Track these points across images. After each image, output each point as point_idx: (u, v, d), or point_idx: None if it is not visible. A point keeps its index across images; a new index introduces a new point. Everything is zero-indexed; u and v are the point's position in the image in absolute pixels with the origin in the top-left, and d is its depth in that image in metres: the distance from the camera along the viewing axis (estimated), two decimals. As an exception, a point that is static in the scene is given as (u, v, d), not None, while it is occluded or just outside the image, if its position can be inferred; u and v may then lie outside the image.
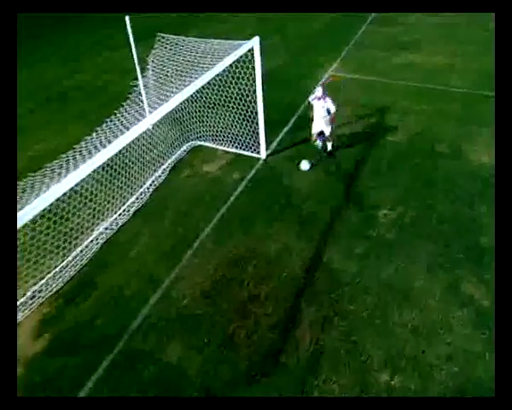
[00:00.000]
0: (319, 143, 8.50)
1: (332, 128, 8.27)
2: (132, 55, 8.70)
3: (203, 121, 9.40)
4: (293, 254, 6.67)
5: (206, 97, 9.28)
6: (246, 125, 9.00)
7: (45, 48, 16.52)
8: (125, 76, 12.02)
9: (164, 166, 8.74)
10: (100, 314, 6.30)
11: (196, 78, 6.40)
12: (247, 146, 8.88)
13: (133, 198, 8.04)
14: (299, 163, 8.20)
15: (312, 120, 8.29)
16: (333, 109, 7.86)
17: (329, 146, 8.55)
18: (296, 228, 7.12)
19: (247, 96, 8.44)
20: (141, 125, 5.38)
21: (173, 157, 9.07)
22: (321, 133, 8.35)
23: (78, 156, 6.98)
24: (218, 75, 8.36)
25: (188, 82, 6.34)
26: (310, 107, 8.11)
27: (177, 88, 6.72)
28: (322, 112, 7.97)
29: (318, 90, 7.75)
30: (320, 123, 8.17)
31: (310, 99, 8.13)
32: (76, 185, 3.94)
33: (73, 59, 15.19)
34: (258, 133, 8.65)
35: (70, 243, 7.21)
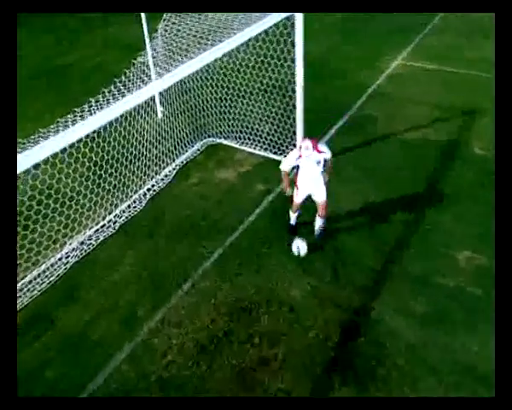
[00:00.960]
0: (296, 215, 6.76)
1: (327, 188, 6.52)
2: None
3: (224, 113, 9.04)
4: (325, 302, 5.91)
5: (230, 84, 8.94)
6: (279, 122, 8.61)
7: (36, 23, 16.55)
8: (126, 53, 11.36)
9: (168, 169, 8.31)
10: (52, 363, 5.54)
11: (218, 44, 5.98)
12: (278, 149, 8.35)
13: (123, 206, 7.62)
14: (291, 244, 6.51)
15: (296, 187, 6.52)
16: (329, 155, 6.25)
17: (320, 222, 6.65)
18: (332, 266, 6.42)
19: (283, 86, 8.16)
20: (146, 90, 5.25)
21: (182, 157, 8.63)
22: (306, 199, 6.64)
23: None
24: (246, 59, 8.09)
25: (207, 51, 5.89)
26: (284, 174, 6.32)
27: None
28: (314, 169, 6.24)
29: (307, 145, 5.98)
30: (310, 185, 6.41)
31: (289, 164, 6.24)
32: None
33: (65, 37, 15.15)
34: (294, 133, 8.11)
35: (29, 259, 6.53)
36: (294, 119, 7.97)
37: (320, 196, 6.42)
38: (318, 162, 6.16)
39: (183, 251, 6.81)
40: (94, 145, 7.52)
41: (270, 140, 8.61)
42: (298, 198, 6.53)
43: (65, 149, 4.28)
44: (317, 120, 9.12)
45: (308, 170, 6.22)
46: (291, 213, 6.79)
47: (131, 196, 7.79)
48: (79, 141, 6.25)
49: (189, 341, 5.63)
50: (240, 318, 5.83)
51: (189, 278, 6.37)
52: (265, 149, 8.60)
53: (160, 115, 9.28)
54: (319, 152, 6.11)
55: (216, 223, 7.25)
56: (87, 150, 7.53)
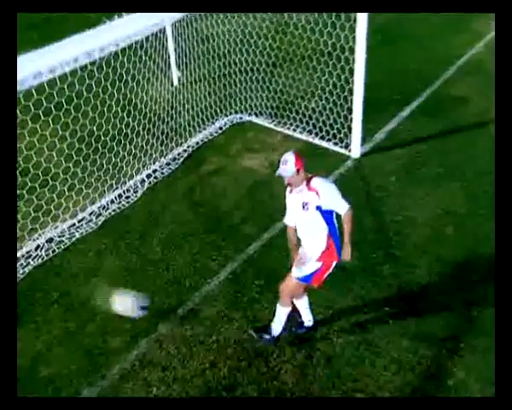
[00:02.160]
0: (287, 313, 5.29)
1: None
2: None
3: (258, 83, 8.84)
4: (381, 358, 5.10)
5: (270, 48, 8.74)
6: (330, 96, 8.26)
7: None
8: None
9: (178, 151, 7.96)
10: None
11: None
12: (327, 133, 8.05)
13: (112, 196, 7.19)
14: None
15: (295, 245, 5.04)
16: (345, 207, 4.69)
17: (277, 313, 5.20)
18: (391, 304, 5.67)
19: (340, 52, 7.82)
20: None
21: (198, 136, 8.33)
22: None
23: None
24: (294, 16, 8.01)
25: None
26: (291, 236, 5.02)
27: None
28: (301, 216, 4.75)
29: (284, 160, 4.55)
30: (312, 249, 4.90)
31: (291, 210, 4.89)
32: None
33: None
34: (349, 115, 7.79)
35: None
36: (351, 92, 7.61)
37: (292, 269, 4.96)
38: (305, 206, 4.62)
39: (183, 264, 6.29)
40: (80, 116, 7.19)
41: (316, 121, 8.25)
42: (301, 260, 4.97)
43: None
44: (384, 98, 8.73)
45: (297, 217, 4.81)
46: (285, 308, 5.19)
47: (124, 183, 7.35)
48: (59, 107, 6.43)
49: (176, 391, 5.01)
50: (252, 365, 5.15)
51: (187, 301, 5.83)
52: (309, 133, 8.26)
53: (175, 82, 9.19)
54: (309, 188, 4.61)
55: (233, 229, 6.75)
56: (69, 121, 7.20)
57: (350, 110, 7.75)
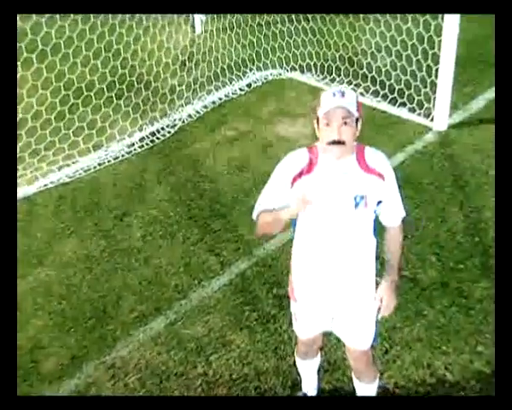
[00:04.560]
0: (309, 363, 3.82)
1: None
2: None
3: (308, 38, 8.33)
4: None
5: None
6: (403, 50, 7.60)
7: None
8: None
9: (194, 108, 7.46)
10: None
11: None
12: (399, 95, 7.43)
13: (91, 157, 6.60)
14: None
15: (291, 287, 3.48)
16: (402, 214, 3.18)
17: (365, 387, 3.65)
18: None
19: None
20: None
21: (221, 92, 7.82)
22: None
23: None
24: None
25: None
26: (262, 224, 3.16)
27: None
28: (344, 221, 3.03)
29: (342, 98, 2.83)
30: (328, 284, 3.18)
31: (274, 193, 3.08)
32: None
33: None
34: (433, 73, 7.17)
35: None
36: (437, 47, 6.90)
37: (353, 332, 3.33)
38: (359, 200, 2.98)
39: (171, 258, 5.35)
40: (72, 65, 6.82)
41: (386, 78, 7.57)
42: (302, 330, 3.51)
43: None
44: (485, 54, 7.90)
45: (324, 221, 3.05)
46: (297, 358, 3.86)
47: (117, 140, 6.77)
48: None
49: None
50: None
51: (167, 311, 4.83)
52: (373, 95, 7.64)
53: (198, 30, 8.90)
54: (364, 165, 2.99)
55: (247, 216, 5.51)
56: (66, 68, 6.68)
57: (430, 74, 6.95)
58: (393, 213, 3.10)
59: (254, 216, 3.09)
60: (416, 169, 6.26)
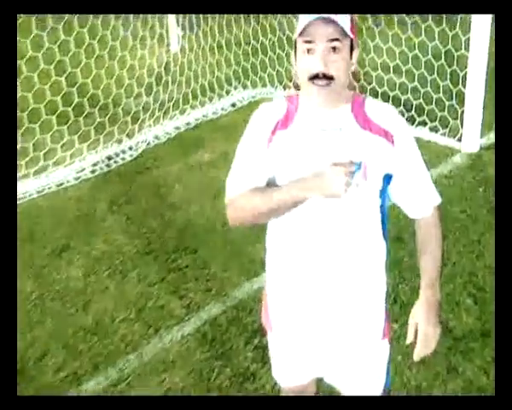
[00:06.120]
0: None
1: None
2: None
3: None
4: None
5: None
6: (422, 57, 7.35)
7: None
8: None
9: (165, 128, 7.34)
10: None
11: None
12: (417, 113, 7.23)
13: (38, 179, 6.31)
14: None
15: (264, 305, 2.79)
16: (436, 199, 2.51)
17: None
18: None
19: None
20: None
21: (199, 111, 7.73)
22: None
23: None
24: None
25: None
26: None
27: None
28: (367, 224, 2.40)
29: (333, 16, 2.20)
30: (318, 309, 2.42)
31: (246, 173, 2.44)
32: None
33: None
34: (458, 85, 7.05)
35: None
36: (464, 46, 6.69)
37: (354, 380, 2.59)
38: (354, 170, 2.21)
39: (120, 302, 4.80)
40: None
41: (404, 95, 7.33)
42: (283, 375, 2.74)
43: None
44: None
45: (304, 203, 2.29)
46: None
47: (64, 165, 6.42)
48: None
49: None
50: None
51: (96, 374, 4.28)
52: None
53: (174, 47, 8.86)
54: (362, 119, 2.30)
55: (222, 250, 5.45)
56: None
57: (461, 75, 6.67)
58: (418, 197, 2.41)
59: (231, 196, 2.45)
60: (442, 196, 5.68)
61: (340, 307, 2.38)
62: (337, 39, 2.09)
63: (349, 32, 2.12)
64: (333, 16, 2.10)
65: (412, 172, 2.33)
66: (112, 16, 7.29)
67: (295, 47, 2.18)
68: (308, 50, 2.10)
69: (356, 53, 2.23)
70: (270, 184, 2.29)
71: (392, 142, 2.24)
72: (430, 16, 6.94)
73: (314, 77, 2.11)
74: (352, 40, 2.17)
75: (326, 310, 2.39)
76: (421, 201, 2.40)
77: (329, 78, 2.11)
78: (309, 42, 2.10)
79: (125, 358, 4.10)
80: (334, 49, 2.10)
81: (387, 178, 2.29)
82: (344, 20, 2.14)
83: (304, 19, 2.11)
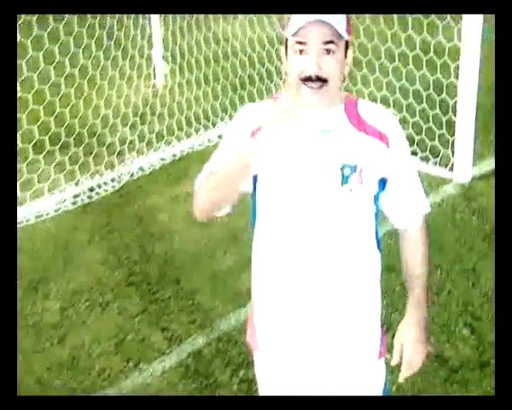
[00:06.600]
0: None
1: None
2: None
3: None
4: None
5: None
6: (409, 87, 7.35)
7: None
8: None
9: (149, 159, 7.24)
10: None
11: None
12: (412, 142, 6.99)
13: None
14: None
15: (251, 328, 2.64)
16: (425, 208, 2.39)
17: None
18: None
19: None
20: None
21: (185, 143, 7.59)
22: None
23: None
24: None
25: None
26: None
27: None
28: (360, 230, 2.29)
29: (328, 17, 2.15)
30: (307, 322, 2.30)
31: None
32: None
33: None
34: (449, 113, 6.96)
35: None
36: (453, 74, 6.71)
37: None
38: (348, 174, 2.20)
39: (99, 336, 4.63)
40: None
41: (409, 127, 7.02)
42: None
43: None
44: None
45: (294, 206, 2.22)
46: None
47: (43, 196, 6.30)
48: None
49: None
50: None
51: None
52: None
53: (159, 79, 8.69)
54: (356, 121, 2.22)
55: (206, 286, 5.25)
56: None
57: (452, 102, 6.57)
58: (408, 206, 2.29)
59: (197, 184, 2.38)
60: (434, 225, 5.59)
61: (332, 323, 2.26)
62: (332, 42, 2.04)
63: (344, 34, 2.07)
64: (328, 18, 2.05)
65: (406, 175, 2.26)
66: (93, 47, 7.30)
67: (286, 45, 2.11)
68: (301, 51, 2.05)
69: (351, 55, 2.17)
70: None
71: (388, 144, 2.16)
72: (418, 45, 6.86)
73: (307, 79, 2.06)
74: (347, 40, 2.13)
75: (317, 325, 2.26)
76: (411, 207, 2.30)
77: (323, 80, 2.06)
78: (302, 43, 2.04)
79: (101, 393, 3.89)
80: (327, 51, 2.06)
81: (382, 183, 2.19)
82: (340, 20, 2.09)
83: (297, 19, 2.04)
